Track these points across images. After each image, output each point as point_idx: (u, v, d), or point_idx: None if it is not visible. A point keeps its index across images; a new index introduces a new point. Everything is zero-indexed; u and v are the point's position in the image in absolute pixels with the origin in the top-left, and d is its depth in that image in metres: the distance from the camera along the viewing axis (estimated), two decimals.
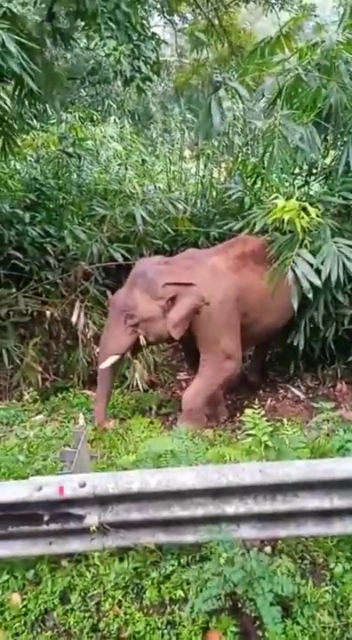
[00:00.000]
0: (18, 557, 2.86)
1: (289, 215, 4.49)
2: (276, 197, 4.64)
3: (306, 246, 4.61)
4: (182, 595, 2.72)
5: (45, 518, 2.71)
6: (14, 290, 5.86)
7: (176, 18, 10.78)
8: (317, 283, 4.49)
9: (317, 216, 4.54)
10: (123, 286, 4.94)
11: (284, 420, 3.87)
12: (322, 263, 4.53)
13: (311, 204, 4.69)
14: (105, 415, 4.82)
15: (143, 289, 4.60)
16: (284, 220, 4.51)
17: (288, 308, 4.71)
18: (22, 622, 2.69)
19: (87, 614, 2.70)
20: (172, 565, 2.82)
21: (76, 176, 7.32)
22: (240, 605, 2.63)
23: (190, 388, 4.83)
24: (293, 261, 4.52)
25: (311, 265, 4.51)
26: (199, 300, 4.51)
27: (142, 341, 4.70)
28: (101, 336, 5.00)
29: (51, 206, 6.61)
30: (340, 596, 2.69)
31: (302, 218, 4.50)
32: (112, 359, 4.64)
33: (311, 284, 4.49)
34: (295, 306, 4.57)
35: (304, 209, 4.48)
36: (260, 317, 4.95)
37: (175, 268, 4.74)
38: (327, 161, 5.96)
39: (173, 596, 2.72)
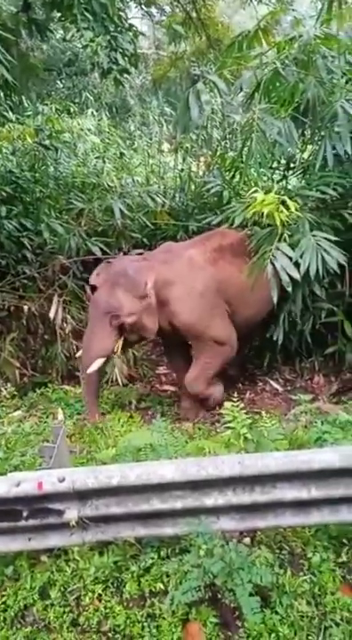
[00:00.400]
0: None
1: (268, 209, 4.51)
2: (256, 191, 4.66)
3: (285, 240, 4.63)
4: (162, 587, 2.73)
5: (24, 514, 2.68)
6: None
7: (154, 10, 10.67)
8: (296, 276, 4.51)
9: (296, 210, 4.58)
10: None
11: (263, 413, 3.90)
12: (301, 257, 4.56)
13: (290, 198, 4.73)
14: (98, 413, 4.82)
15: (126, 288, 4.58)
16: (263, 214, 4.53)
17: (268, 301, 4.75)
18: (1, 619, 2.67)
19: (67, 609, 2.69)
20: (152, 558, 2.84)
21: (53, 169, 7.24)
22: (219, 596, 2.65)
23: (189, 376, 4.92)
24: (273, 255, 4.54)
25: (290, 258, 4.54)
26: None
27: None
28: (84, 337, 4.92)
29: (27, 199, 6.52)
30: (317, 585, 2.73)
31: (281, 212, 4.52)
32: (98, 362, 4.60)
33: (290, 277, 4.52)
34: (275, 299, 4.59)
35: (283, 202, 4.51)
36: (238, 310, 4.98)
37: (154, 263, 4.76)
38: (305, 155, 6.01)
39: (153, 589, 2.73)
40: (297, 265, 4.53)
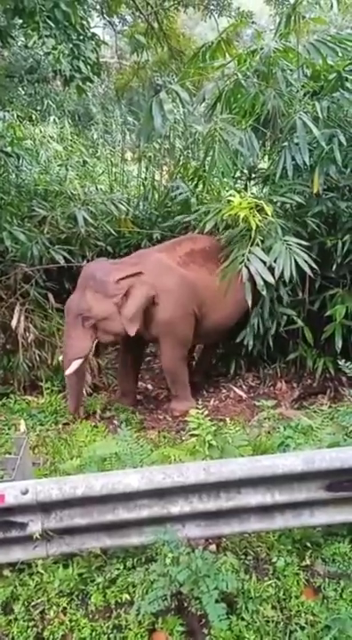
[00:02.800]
0: None
1: (244, 212, 4.59)
2: (233, 195, 4.73)
3: (258, 244, 4.71)
4: (128, 598, 2.71)
5: None
6: None
7: (116, 19, 10.74)
8: (271, 280, 4.59)
9: (271, 214, 4.67)
10: (73, 290, 4.98)
11: (227, 420, 3.95)
12: (275, 261, 4.63)
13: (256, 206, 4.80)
14: (80, 410, 5.01)
15: (95, 290, 4.66)
16: (238, 218, 4.61)
17: (239, 306, 4.92)
18: None
19: (31, 623, 2.64)
20: (118, 569, 2.81)
21: (14, 176, 7.14)
22: (186, 604, 2.64)
23: (165, 364, 5.14)
24: (247, 258, 4.61)
25: (264, 262, 4.61)
26: (151, 289, 4.67)
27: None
28: (62, 344, 5.03)
29: None
30: (282, 590, 2.76)
31: (255, 216, 4.61)
32: (76, 364, 4.68)
33: (265, 281, 4.59)
34: (249, 303, 4.70)
35: (257, 207, 4.59)
36: (208, 313, 5.02)
37: (123, 266, 4.85)
38: (263, 165, 6.13)
39: (119, 600, 2.71)
40: (270, 269, 4.61)
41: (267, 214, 4.67)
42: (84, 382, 5.12)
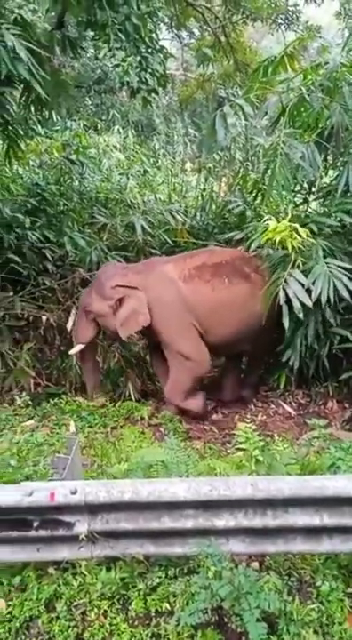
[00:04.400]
0: (5, 563, 2.84)
1: (280, 236, 4.57)
2: (270, 218, 4.71)
3: (298, 266, 4.67)
4: (168, 607, 2.71)
5: (35, 524, 2.70)
6: (11, 293, 5.86)
7: (183, 33, 10.90)
8: (308, 303, 4.53)
9: (308, 237, 4.62)
10: None
11: (275, 436, 3.89)
12: (313, 283, 4.58)
13: (305, 225, 4.76)
14: (97, 390, 5.47)
15: (96, 290, 5.18)
16: (276, 241, 4.60)
17: (245, 324, 5.01)
18: (7, 629, 2.66)
19: (72, 623, 2.68)
20: (159, 577, 2.82)
21: (77, 183, 7.36)
22: (226, 620, 2.62)
23: (166, 389, 5.27)
24: (285, 281, 4.58)
25: (302, 285, 4.56)
26: (140, 305, 4.98)
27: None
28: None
29: (51, 212, 6.63)
30: (325, 615, 2.69)
31: (294, 238, 4.56)
32: (78, 347, 5.30)
33: (302, 303, 4.54)
34: (286, 324, 4.66)
35: (295, 230, 4.55)
36: (213, 329, 5.05)
37: (128, 272, 5.17)
38: (326, 180, 6.04)
39: (159, 609, 2.71)
40: (309, 291, 4.56)
41: (308, 236, 4.62)
42: (95, 370, 5.62)
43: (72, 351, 5.38)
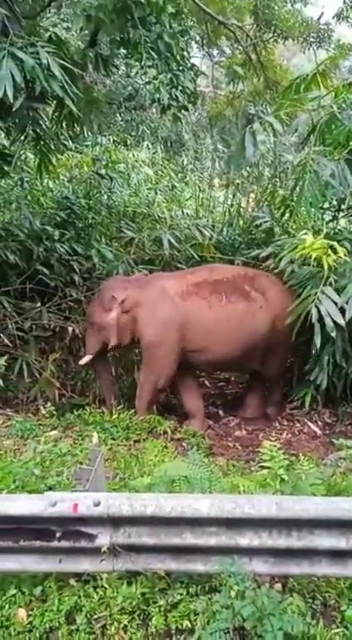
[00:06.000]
0: (27, 572, 2.84)
1: (317, 252, 4.54)
2: (306, 233, 4.69)
3: (331, 284, 4.63)
4: (189, 625, 2.66)
5: (58, 535, 2.69)
6: (39, 304, 5.94)
7: (214, 51, 11.03)
8: (341, 322, 4.49)
9: (345, 255, 4.58)
10: None
11: (300, 455, 3.83)
12: (347, 302, 4.53)
13: (338, 242, 4.73)
14: (113, 398, 5.51)
15: (98, 301, 5.35)
16: (310, 257, 4.56)
17: (241, 343, 5.04)
18: (27, 639, 2.66)
19: (92, 636, 2.66)
20: (180, 594, 2.78)
21: (106, 197, 7.46)
22: None
23: (138, 388, 5.40)
24: (318, 298, 4.54)
25: (336, 303, 4.51)
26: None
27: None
28: None
29: (80, 225, 6.72)
30: None
31: (329, 256, 4.53)
32: (86, 358, 5.41)
33: (334, 322, 4.49)
34: (318, 343, 4.62)
35: (332, 247, 4.51)
36: (210, 345, 5.09)
37: (129, 286, 5.31)
38: None
39: (180, 626, 2.67)
40: (341, 310, 4.51)
41: (340, 255, 4.58)
42: (109, 379, 5.70)
43: (81, 362, 5.50)
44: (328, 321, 4.51)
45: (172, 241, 6.13)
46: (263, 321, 5.08)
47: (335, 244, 4.56)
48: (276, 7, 9.59)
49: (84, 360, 5.43)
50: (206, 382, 6.51)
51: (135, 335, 5.27)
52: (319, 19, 9.76)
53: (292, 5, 10.09)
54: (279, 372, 5.67)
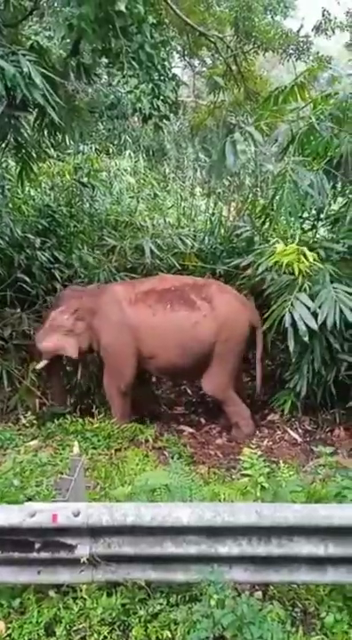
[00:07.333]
0: (5, 584, 2.81)
1: (288, 259, 4.61)
2: (277, 241, 4.76)
3: (305, 290, 4.70)
4: (169, 635, 2.66)
5: (36, 546, 2.67)
6: (19, 310, 5.91)
7: (195, 61, 11.13)
8: (314, 326, 4.55)
9: (315, 261, 4.65)
10: None
11: (281, 463, 3.85)
12: (319, 307, 4.60)
13: (313, 250, 4.80)
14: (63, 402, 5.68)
15: (54, 309, 5.46)
16: (283, 264, 4.63)
17: (185, 351, 5.12)
18: None
19: None
20: (161, 604, 2.78)
21: (88, 205, 7.45)
22: None
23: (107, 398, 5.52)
24: (291, 304, 4.61)
25: (309, 308, 4.58)
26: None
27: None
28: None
29: (61, 233, 6.70)
30: None
31: (301, 262, 4.60)
32: (42, 363, 5.47)
33: (308, 327, 4.56)
34: (291, 347, 4.70)
35: (303, 254, 4.58)
36: (156, 352, 5.22)
37: (84, 295, 5.48)
38: (335, 207, 6.10)
39: (160, 636, 2.66)
40: (315, 315, 4.58)
41: (316, 260, 4.65)
42: (61, 384, 5.82)
43: (37, 366, 5.55)
44: (301, 325, 4.58)
45: (154, 249, 6.14)
46: (207, 329, 5.13)
47: (305, 249, 4.64)
48: (257, 19, 9.71)
49: (41, 365, 5.49)
50: (188, 390, 6.52)
51: (92, 342, 5.42)
52: (298, 31, 9.92)
53: (271, 18, 10.26)
54: (226, 385, 5.37)
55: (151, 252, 6.08)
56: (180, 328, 5.12)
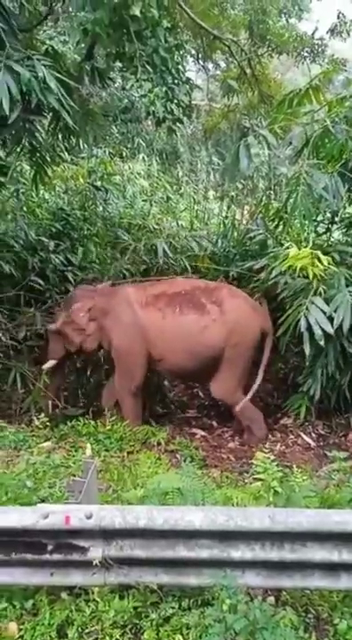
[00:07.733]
0: (18, 585, 2.82)
1: (301, 263, 4.58)
2: (290, 245, 4.74)
3: (320, 294, 4.66)
4: (181, 639, 2.64)
5: (49, 547, 2.68)
6: (32, 309, 5.96)
7: (209, 64, 11.13)
8: (330, 330, 4.51)
9: (330, 264, 4.61)
10: None
11: (294, 467, 3.83)
12: (335, 311, 4.56)
13: (327, 253, 4.77)
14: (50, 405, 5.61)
15: (65, 309, 5.50)
16: (297, 268, 4.60)
17: (191, 355, 5.13)
18: None
19: None
20: (173, 608, 2.76)
21: (101, 209, 7.50)
22: None
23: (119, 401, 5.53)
24: (307, 308, 4.58)
25: (324, 312, 4.55)
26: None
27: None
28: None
29: (75, 236, 6.75)
30: None
31: (316, 266, 4.57)
32: (50, 363, 5.53)
33: (324, 331, 4.52)
34: (307, 351, 4.66)
35: (317, 257, 4.55)
36: (165, 354, 5.24)
37: (95, 294, 5.50)
38: (350, 210, 6.06)
39: None
40: (330, 319, 4.55)
41: (330, 264, 4.62)
42: (58, 387, 5.82)
43: (44, 366, 5.56)
44: (317, 329, 4.55)
45: (167, 250, 6.16)
46: (216, 334, 5.12)
47: (319, 253, 4.61)
48: (271, 22, 9.70)
49: (48, 365, 5.53)
50: (200, 393, 6.51)
51: (103, 342, 5.44)
52: (313, 34, 9.87)
53: (286, 20, 10.22)
54: (235, 390, 5.34)
55: (164, 253, 6.10)
56: (189, 332, 5.13)
